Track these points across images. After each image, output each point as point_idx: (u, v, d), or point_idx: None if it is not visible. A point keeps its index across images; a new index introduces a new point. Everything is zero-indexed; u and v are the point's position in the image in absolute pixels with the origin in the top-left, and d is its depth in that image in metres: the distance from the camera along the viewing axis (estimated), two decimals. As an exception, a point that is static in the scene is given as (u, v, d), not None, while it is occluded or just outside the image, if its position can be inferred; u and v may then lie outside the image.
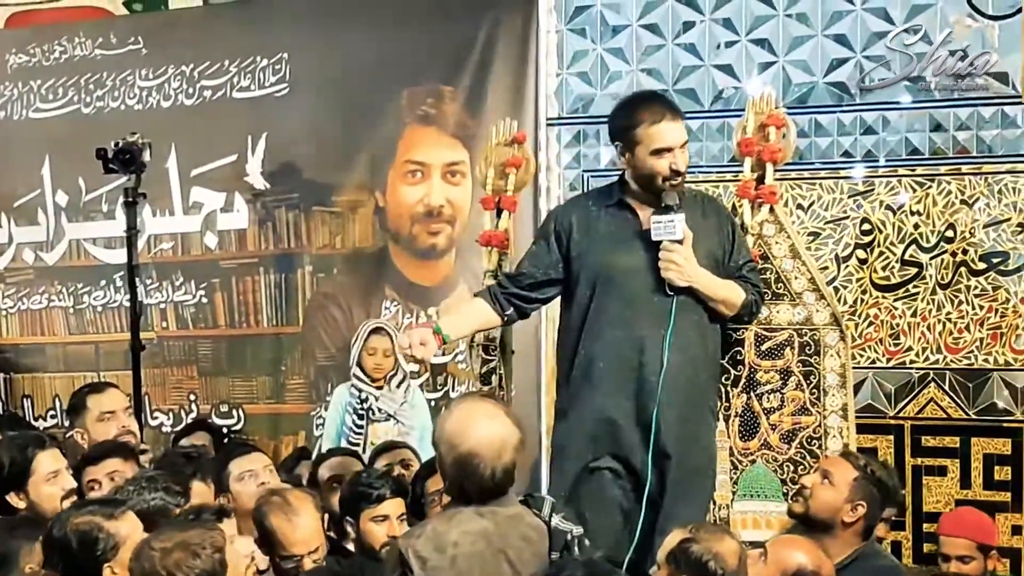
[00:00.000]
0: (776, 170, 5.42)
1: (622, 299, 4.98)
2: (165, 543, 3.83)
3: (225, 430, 7.66)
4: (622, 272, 5.00)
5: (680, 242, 4.88)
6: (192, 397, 8.09)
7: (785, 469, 5.22)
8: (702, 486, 5.02)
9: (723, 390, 5.25)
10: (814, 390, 5.22)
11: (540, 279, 5.16)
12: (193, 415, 8.00)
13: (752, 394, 5.25)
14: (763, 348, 5.26)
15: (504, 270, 5.52)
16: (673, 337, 4.88)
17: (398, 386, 6.69)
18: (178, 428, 7.64)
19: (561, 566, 3.88)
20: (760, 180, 5.34)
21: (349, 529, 5.15)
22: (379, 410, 6.60)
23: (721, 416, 5.22)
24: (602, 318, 5.00)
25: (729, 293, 5.02)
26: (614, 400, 4.93)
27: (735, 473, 5.25)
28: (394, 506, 5.08)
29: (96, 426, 5.98)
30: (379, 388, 6.62)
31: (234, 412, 7.98)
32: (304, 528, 4.79)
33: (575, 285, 5.10)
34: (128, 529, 4.27)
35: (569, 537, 4.10)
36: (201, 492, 5.06)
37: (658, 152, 4.92)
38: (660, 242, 4.91)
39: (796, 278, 5.27)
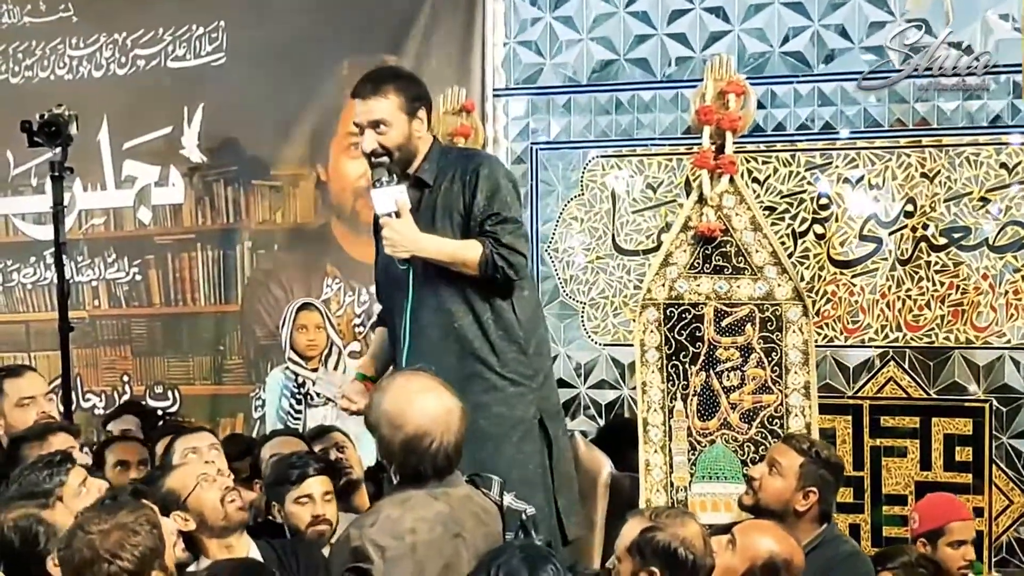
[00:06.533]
0: (733, 141, 5.23)
1: (390, 277, 4.87)
2: (101, 525, 3.67)
3: (160, 412, 7.48)
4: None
5: (397, 214, 4.67)
6: (125, 378, 7.93)
7: (746, 449, 5.07)
8: (499, 449, 4.73)
9: (681, 368, 5.09)
10: (775, 367, 5.07)
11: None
12: (126, 396, 7.82)
13: (711, 372, 5.09)
14: (723, 324, 5.09)
15: None
16: (422, 309, 4.74)
17: (335, 367, 6.48)
18: (108, 412, 7.44)
19: (500, 550, 3.69)
20: (719, 150, 5.15)
21: (276, 515, 4.98)
22: (317, 395, 6.40)
23: (679, 395, 5.08)
24: (384, 297, 5.01)
25: (463, 254, 4.72)
26: None
27: (693, 454, 5.08)
28: (318, 484, 4.92)
29: (14, 412, 5.60)
30: (314, 370, 6.41)
31: (169, 393, 7.84)
32: None
33: None
34: (64, 518, 4.09)
35: (524, 516, 3.98)
36: None
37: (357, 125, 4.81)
38: None
39: (757, 251, 5.09)
